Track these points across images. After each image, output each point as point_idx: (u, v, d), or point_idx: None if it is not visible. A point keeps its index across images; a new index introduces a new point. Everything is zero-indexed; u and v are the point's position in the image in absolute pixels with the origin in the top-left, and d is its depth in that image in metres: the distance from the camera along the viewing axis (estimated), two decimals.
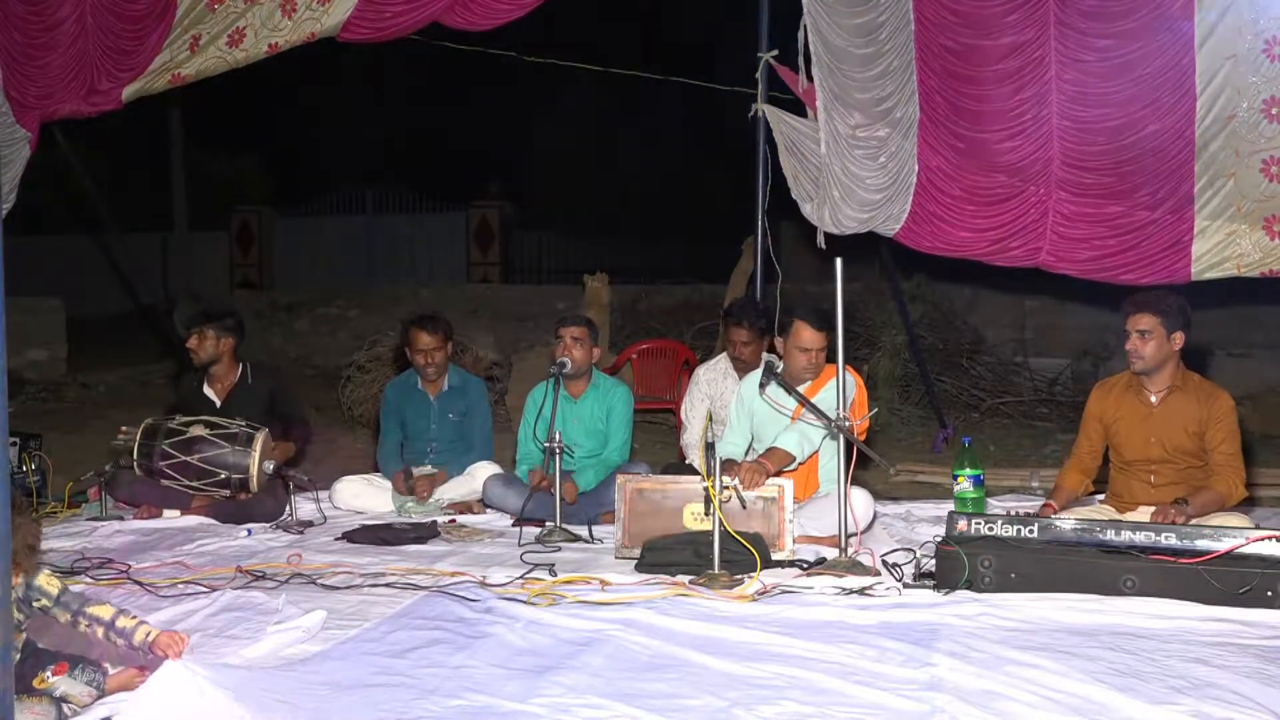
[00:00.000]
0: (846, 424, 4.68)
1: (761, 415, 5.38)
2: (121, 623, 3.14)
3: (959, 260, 7.17)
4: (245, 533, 5.56)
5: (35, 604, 3.17)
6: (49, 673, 3.18)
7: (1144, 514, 4.66)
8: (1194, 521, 4.53)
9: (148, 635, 3.12)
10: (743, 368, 6.00)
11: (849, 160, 6.80)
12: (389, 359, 8.97)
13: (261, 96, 19.07)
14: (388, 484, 6.15)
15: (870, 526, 5.29)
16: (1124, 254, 6.62)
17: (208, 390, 6.18)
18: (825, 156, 6.76)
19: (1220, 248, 6.45)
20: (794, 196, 6.87)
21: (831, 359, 5.07)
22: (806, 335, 5.18)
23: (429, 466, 6.14)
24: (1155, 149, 6.49)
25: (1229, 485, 4.68)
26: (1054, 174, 6.69)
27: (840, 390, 4.73)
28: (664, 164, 21.67)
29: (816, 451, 5.30)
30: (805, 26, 6.70)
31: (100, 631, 3.15)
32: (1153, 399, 4.83)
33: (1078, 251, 6.72)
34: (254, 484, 5.81)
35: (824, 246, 6.79)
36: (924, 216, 6.86)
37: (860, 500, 5.10)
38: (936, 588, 4.31)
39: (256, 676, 3.22)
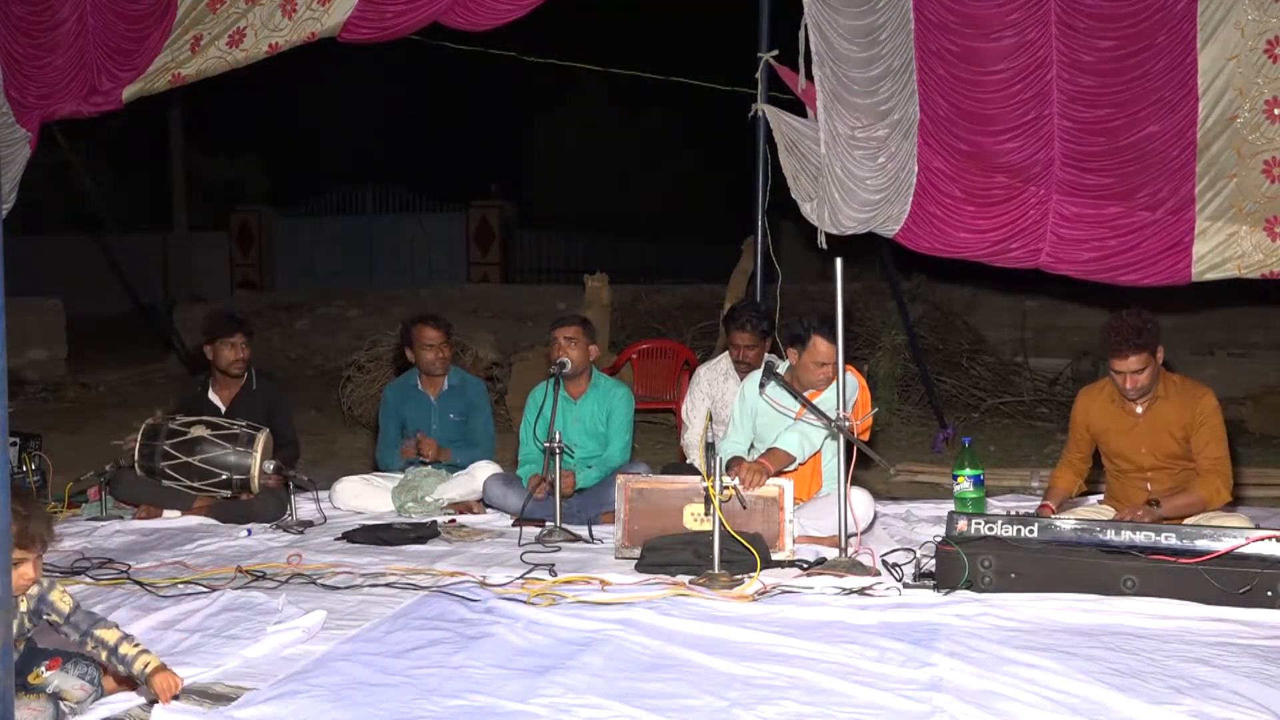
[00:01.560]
0: (846, 424, 4.68)
1: (764, 415, 5.38)
2: (124, 649, 3.17)
3: (959, 261, 7.15)
4: (245, 533, 5.56)
5: (45, 617, 3.19)
6: (43, 668, 3.21)
7: None
8: (1195, 522, 4.53)
9: (146, 666, 3.16)
10: (746, 370, 6.01)
11: (849, 161, 6.78)
12: (389, 359, 8.97)
13: (261, 96, 19.08)
14: (388, 484, 6.15)
15: (870, 526, 5.29)
16: (1124, 254, 6.57)
17: (213, 396, 6.19)
18: (825, 157, 6.73)
19: (1221, 248, 6.40)
20: (793, 196, 6.85)
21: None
22: (824, 349, 5.11)
23: (429, 466, 6.15)
24: (1157, 150, 6.45)
25: (1213, 489, 4.66)
26: (1055, 175, 6.65)
27: (840, 390, 4.73)
28: (664, 163, 21.68)
29: (819, 451, 5.30)
30: (806, 26, 6.68)
31: (104, 655, 3.20)
32: (1138, 409, 4.81)
33: (1078, 252, 6.68)
34: (255, 484, 5.81)
35: (825, 247, 6.78)
36: (924, 217, 6.83)
37: (861, 500, 5.10)
38: (936, 588, 4.31)
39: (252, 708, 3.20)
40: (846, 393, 4.74)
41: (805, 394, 5.12)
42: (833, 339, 4.96)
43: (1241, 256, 6.36)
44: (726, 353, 6.29)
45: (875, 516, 5.41)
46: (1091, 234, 6.64)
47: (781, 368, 5.33)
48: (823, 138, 6.73)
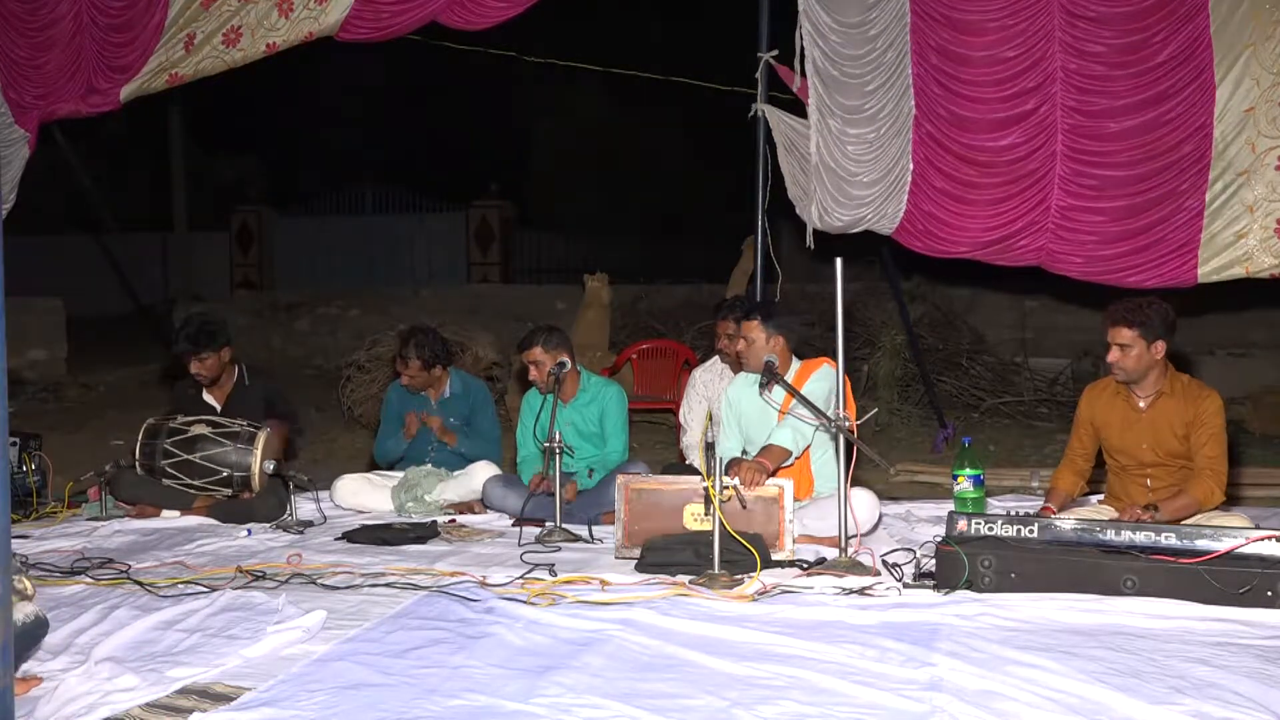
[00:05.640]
0: (847, 424, 4.68)
1: (749, 415, 5.38)
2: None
3: (958, 260, 6.98)
4: (245, 533, 5.56)
5: None
6: None
7: None
8: (1196, 522, 4.53)
9: None
10: (730, 364, 6.01)
11: (840, 156, 6.62)
12: (389, 359, 8.96)
13: (261, 96, 19.07)
14: (388, 482, 6.15)
15: (875, 528, 5.28)
16: (1130, 256, 6.36)
17: (207, 396, 6.20)
18: (816, 153, 6.59)
19: (1229, 249, 6.19)
20: (790, 197, 6.75)
21: (830, 356, 5.07)
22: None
23: (428, 465, 6.15)
24: (1169, 144, 6.21)
25: (1207, 490, 4.64)
26: (1056, 171, 6.43)
27: (840, 390, 4.73)
28: (664, 164, 21.66)
29: (809, 450, 5.29)
30: (800, 22, 6.54)
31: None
32: (1141, 404, 4.81)
33: (1079, 252, 6.48)
34: (256, 482, 5.81)
35: (812, 246, 6.67)
36: (919, 215, 6.65)
37: (865, 502, 5.08)
38: (936, 588, 4.31)
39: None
40: (833, 384, 4.74)
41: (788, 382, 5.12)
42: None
43: (1249, 258, 6.16)
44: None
45: (880, 518, 5.39)
46: (1094, 234, 6.43)
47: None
48: (813, 134, 6.59)
